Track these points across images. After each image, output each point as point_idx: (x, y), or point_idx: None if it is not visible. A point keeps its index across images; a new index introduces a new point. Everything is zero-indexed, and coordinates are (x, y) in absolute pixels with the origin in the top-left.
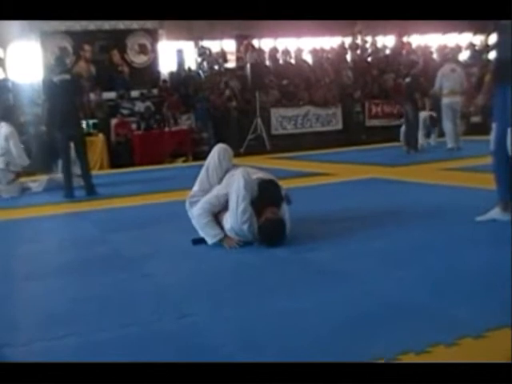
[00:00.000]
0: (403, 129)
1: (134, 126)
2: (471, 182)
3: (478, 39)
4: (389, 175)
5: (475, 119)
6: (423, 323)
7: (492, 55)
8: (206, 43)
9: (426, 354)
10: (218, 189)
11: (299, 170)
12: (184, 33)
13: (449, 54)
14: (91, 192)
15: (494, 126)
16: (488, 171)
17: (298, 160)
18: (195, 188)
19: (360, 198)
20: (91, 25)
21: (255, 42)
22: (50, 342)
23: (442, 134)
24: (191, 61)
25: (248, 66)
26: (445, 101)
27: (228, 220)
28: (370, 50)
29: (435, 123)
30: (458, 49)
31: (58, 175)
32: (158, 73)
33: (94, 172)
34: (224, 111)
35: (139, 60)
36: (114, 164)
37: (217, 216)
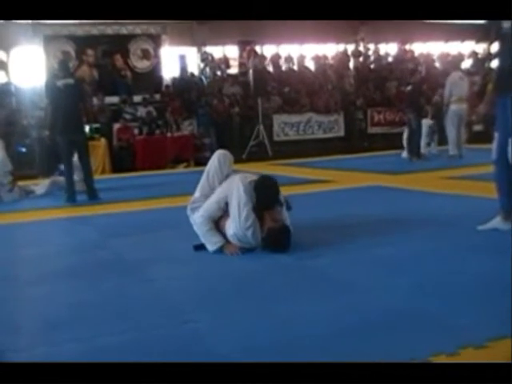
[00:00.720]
0: (405, 136)
1: (136, 130)
2: (473, 191)
3: (480, 47)
4: (391, 183)
5: (477, 128)
6: (424, 332)
7: (494, 64)
8: (208, 49)
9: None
10: (216, 193)
11: (301, 176)
12: (187, 38)
13: (452, 62)
14: (93, 196)
15: (495, 135)
16: (490, 180)
17: (300, 167)
18: (196, 194)
19: (362, 206)
20: (94, 29)
21: (258, 48)
22: (52, 347)
23: (441, 142)
24: (194, 66)
25: (250, 72)
26: (452, 108)
27: (231, 226)
28: (372, 58)
29: (435, 131)
30: (461, 57)
31: (61, 178)
32: (161, 78)
33: (96, 176)
34: (226, 117)
35: (142, 65)
36: (116, 169)
37: (218, 223)
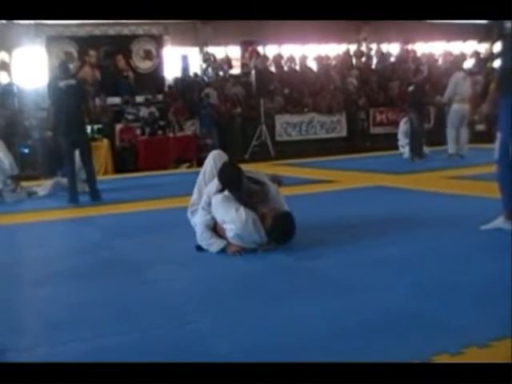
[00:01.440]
0: (400, 135)
1: (138, 131)
2: (475, 191)
3: (482, 47)
4: (393, 183)
5: (480, 127)
6: (427, 332)
7: (497, 64)
8: (210, 49)
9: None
10: (202, 207)
11: (303, 176)
12: (189, 39)
13: (454, 62)
14: (96, 197)
15: (498, 134)
16: (492, 180)
17: (302, 167)
18: (194, 196)
19: (364, 206)
20: (96, 30)
21: (260, 49)
22: (54, 347)
23: (442, 142)
24: (196, 67)
25: (253, 72)
26: (454, 107)
27: (233, 228)
28: (374, 58)
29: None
30: (463, 57)
31: (64, 179)
32: (163, 78)
33: (99, 177)
34: (228, 117)
35: (144, 65)
36: (118, 169)
37: (216, 229)
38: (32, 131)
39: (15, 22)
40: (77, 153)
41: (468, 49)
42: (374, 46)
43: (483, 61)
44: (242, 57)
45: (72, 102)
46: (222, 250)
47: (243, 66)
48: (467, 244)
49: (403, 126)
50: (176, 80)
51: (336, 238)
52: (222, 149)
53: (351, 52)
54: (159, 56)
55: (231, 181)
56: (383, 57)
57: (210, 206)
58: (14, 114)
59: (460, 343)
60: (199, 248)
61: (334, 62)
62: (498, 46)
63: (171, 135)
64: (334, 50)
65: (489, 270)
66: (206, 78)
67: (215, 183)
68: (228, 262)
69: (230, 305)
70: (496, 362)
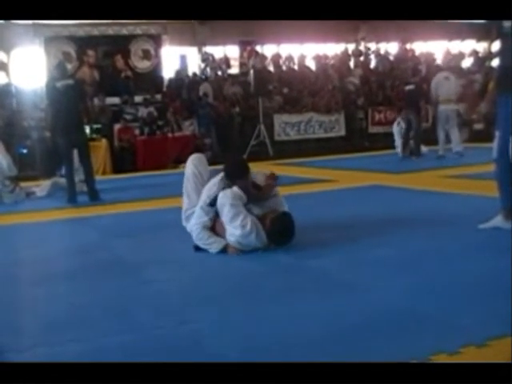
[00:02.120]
0: (396, 135)
1: (137, 131)
2: (474, 190)
3: (481, 46)
4: (391, 182)
5: (478, 126)
6: (426, 331)
7: (495, 63)
8: (209, 49)
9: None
10: (200, 200)
11: (302, 176)
12: (187, 38)
13: (451, 61)
14: (94, 197)
15: (496, 133)
16: (491, 179)
17: (301, 166)
18: (185, 202)
19: (363, 205)
20: (95, 30)
21: (258, 48)
22: (53, 347)
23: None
24: (194, 66)
25: (251, 72)
26: (439, 108)
27: (234, 233)
28: (373, 57)
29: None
30: (461, 56)
31: (62, 179)
32: (162, 78)
33: (97, 177)
34: (227, 117)
35: (142, 65)
36: (117, 169)
37: (215, 229)
38: (30, 131)
39: (13, 22)
40: (75, 153)
41: (467, 48)
42: (372, 46)
43: (482, 60)
44: (241, 56)
45: (70, 102)
46: (222, 250)
47: (241, 65)
48: (466, 243)
49: (396, 128)
50: (174, 80)
51: (335, 238)
52: (221, 148)
53: (350, 51)
54: (158, 56)
55: (237, 167)
56: (382, 56)
57: (209, 207)
58: (13, 115)
59: (458, 343)
60: (197, 248)
61: (332, 62)
62: (496, 45)
63: (170, 135)
64: (332, 49)
65: (487, 268)
66: (203, 77)
67: (216, 182)
68: (227, 261)
69: (228, 305)
70: (496, 361)
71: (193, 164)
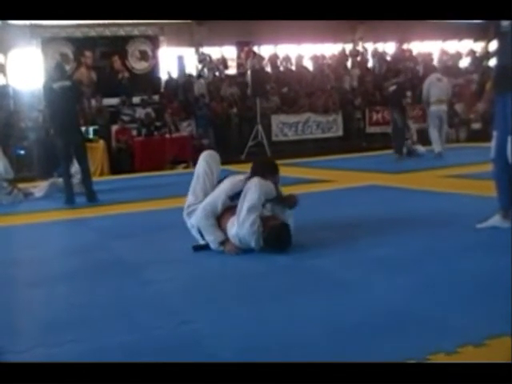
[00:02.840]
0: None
1: (134, 132)
2: (472, 189)
3: (478, 46)
4: (389, 182)
5: (476, 126)
6: (424, 331)
7: (493, 62)
8: (206, 50)
9: (426, 362)
10: (221, 190)
11: (300, 176)
12: (185, 39)
13: (448, 61)
14: (92, 198)
15: (494, 133)
16: (489, 178)
17: (299, 167)
18: (190, 198)
19: (361, 205)
20: (92, 31)
21: (256, 49)
22: (52, 348)
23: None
24: (192, 67)
25: (248, 72)
26: (431, 109)
27: (235, 224)
28: (370, 57)
29: None
30: (459, 56)
31: (60, 180)
32: (159, 79)
33: (95, 178)
34: (225, 118)
35: (140, 66)
36: (114, 170)
37: (220, 221)
38: (28, 133)
39: (11, 23)
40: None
41: (464, 47)
42: (369, 46)
43: (479, 59)
44: (238, 57)
45: (67, 103)
46: (220, 245)
47: (239, 66)
48: (464, 242)
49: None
50: (172, 80)
51: (333, 238)
52: (219, 149)
53: (347, 51)
54: (155, 57)
55: (268, 165)
56: (379, 56)
57: (228, 198)
58: (10, 116)
59: (456, 342)
60: (196, 248)
61: (329, 62)
62: (493, 45)
63: (167, 136)
64: (329, 49)
65: (485, 268)
66: (197, 76)
67: (243, 179)
68: (225, 261)
69: (227, 305)
70: (496, 361)
71: (205, 161)
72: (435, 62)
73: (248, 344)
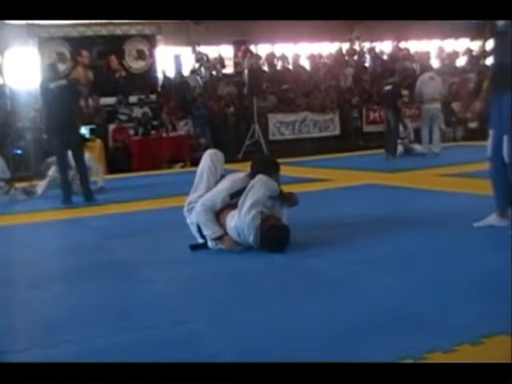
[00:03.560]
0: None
1: (131, 131)
2: (469, 188)
3: (475, 45)
4: (386, 181)
5: (472, 125)
6: (420, 329)
7: (489, 61)
8: (203, 49)
9: (424, 360)
10: (222, 187)
11: (297, 175)
12: (182, 38)
13: (445, 60)
14: (89, 198)
15: (491, 132)
16: (485, 177)
17: (296, 166)
18: (192, 195)
19: (358, 204)
20: (89, 30)
21: (253, 48)
22: (49, 348)
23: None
24: (189, 66)
25: (245, 71)
26: (424, 107)
27: (235, 217)
28: (367, 56)
29: None
30: (456, 54)
31: (57, 174)
32: (156, 78)
33: (92, 178)
34: (222, 117)
35: (137, 65)
36: (111, 170)
37: (218, 217)
38: (24, 132)
39: (7, 22)
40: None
41: (461, 46)
42: (366, 45)
43: (476, 58)
44: (235, 56)
45: (63, 102)
46: (217, 239)
47: (236, 65)
48: (460, 241)
49: None
50: (169, 80)
51: (331, 237)
52: (216, 148)
53: (344, 50)
54: (152, 56)
55: (270, 163)
56: (376, 55)
57: (227, 196)
58: (7, 116)
59: (453, 341)
60: (193, 247)
61: (326, 61)
62: (490, 44)
63: (164, 135)
64: (326, 48)
65: (482, 267)
66: (198, 78)
67: (242, 177)
68: (222, 261)
69: (224, 304)
70: (496, 361)
71: (210, 159)
72: (433, 61)
73: (246, 344)
